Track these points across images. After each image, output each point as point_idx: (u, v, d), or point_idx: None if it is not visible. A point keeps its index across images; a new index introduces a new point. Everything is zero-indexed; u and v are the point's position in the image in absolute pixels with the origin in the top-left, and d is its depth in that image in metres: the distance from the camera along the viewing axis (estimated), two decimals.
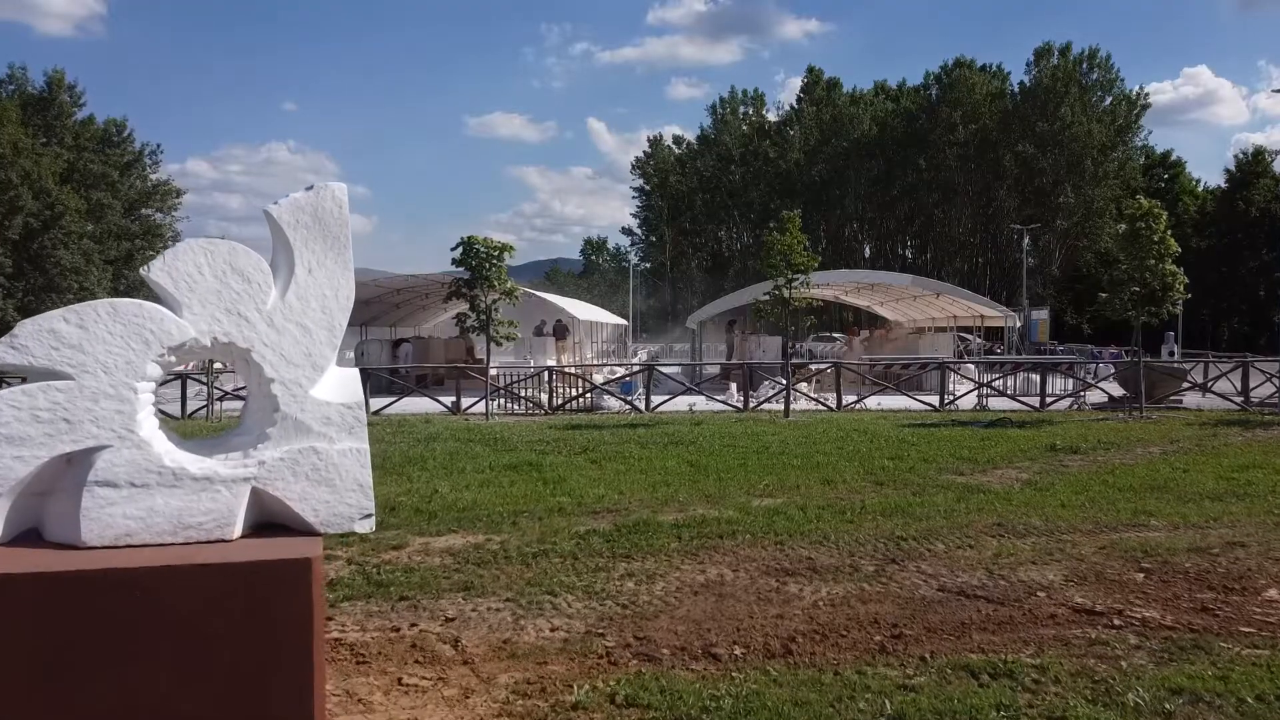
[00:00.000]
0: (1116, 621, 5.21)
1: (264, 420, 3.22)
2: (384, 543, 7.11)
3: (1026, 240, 52.37)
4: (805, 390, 18.89)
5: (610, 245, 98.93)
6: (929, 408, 17.87)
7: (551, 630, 5.12)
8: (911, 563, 6.56)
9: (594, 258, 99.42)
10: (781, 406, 17.91)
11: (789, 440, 13.30)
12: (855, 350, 28.66)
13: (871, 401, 18.34)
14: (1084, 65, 59.67)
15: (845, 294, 30.53)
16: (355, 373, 3.61)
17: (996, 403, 18.38)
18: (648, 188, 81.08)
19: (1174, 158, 67.11)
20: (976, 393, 18.42)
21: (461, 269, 16.56)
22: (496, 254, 16.26)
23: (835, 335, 40.97)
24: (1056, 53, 59.81)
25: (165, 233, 52.58)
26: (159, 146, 52.94)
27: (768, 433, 14.24)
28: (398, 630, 5.12)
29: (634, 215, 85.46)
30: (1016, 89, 62.15)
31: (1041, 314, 34.71)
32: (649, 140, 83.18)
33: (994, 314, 24.39)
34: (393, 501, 8.81)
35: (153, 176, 52.80)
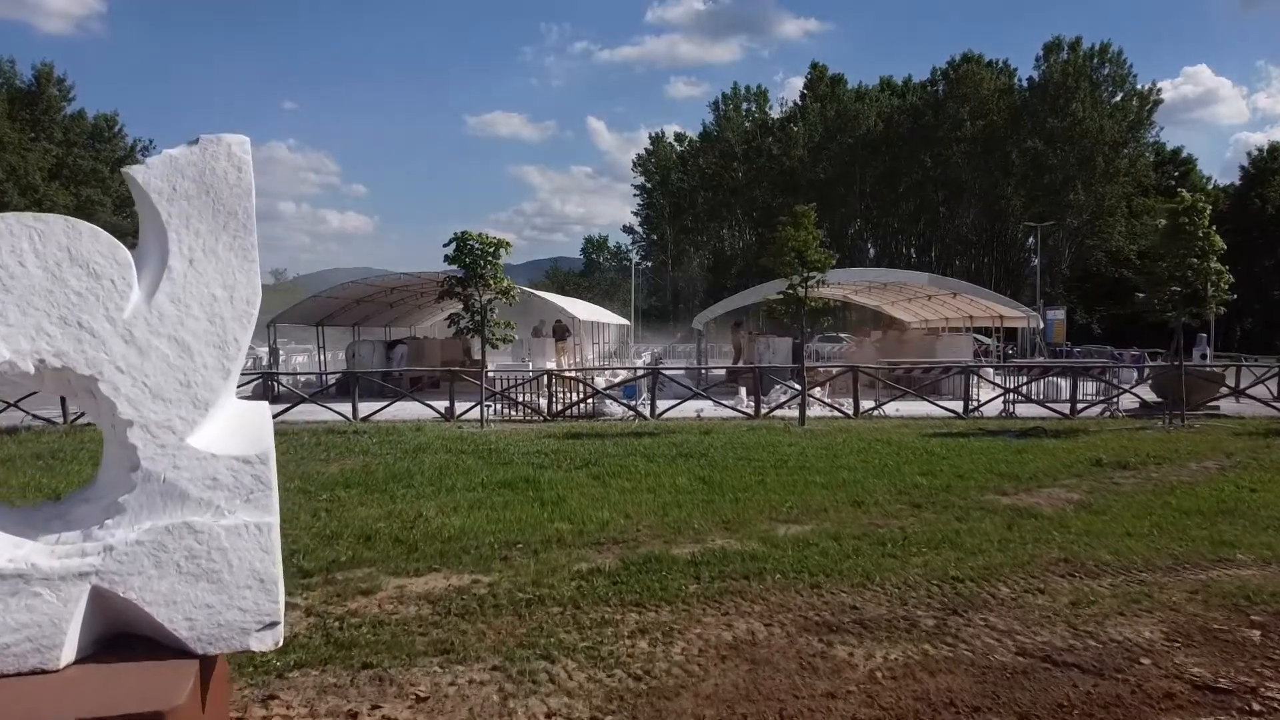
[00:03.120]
0: (1255, 705, 4.18)
1: (118, 482, 2.18)
2: (353, 585, 6.08)
3: (1032, 239, 51.28)
4: (819, 395, 17.85)
5: (611, 244, 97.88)
6: (952, 414, 16.82)
7: (548, 717, 4.09)
8: (977, 614, 5.53)
9: (595, 256, 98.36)
10: (794, 413, 16.89)
11: (808, 452, 12.26)
12: (865, 352, 27.63)
13: (890, 407, 17.30)
14: (1095, 60, 58.52)
15: (855, 293, 29.48)
16: (262, 408, 2.57)
17: (1023, 409, 17.34)
18: (649, 185, 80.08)
19: (1184, 155, 65.94)
20: (1003, 398, 17.35)
21: (455, 267, 15.51)
22: (492, 250, 15.22)
23: (842, 335, 39.88)
24: (1066, 48, 58.68)
25: None
26: (151, 142, 51.93)
27: (783, 443, 13.20)
28: (355, 717, 4.09)
29: (635, 213, 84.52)
30: (1026, 83, 61.04)
31: (1057, 314, 33.58)
32: (650, 137, 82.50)
33: (1015, 314, 23.26)
34: (370, 529, 7.78)
35: None
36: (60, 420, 16.95)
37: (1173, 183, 63.95)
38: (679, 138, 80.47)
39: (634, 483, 10.12)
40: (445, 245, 15.22)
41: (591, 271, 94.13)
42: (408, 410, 17.84)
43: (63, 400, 17.61)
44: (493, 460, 11.87)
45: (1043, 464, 11.30)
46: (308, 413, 17.65)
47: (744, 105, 75.64)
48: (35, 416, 16.90)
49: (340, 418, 17.20)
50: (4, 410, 16.99)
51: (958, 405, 17.39)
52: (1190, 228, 14.20)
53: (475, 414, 16.54)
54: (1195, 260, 14.21)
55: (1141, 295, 14.97)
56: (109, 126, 47.09)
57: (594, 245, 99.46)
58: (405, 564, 6.61)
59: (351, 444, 13.50)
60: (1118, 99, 58.90)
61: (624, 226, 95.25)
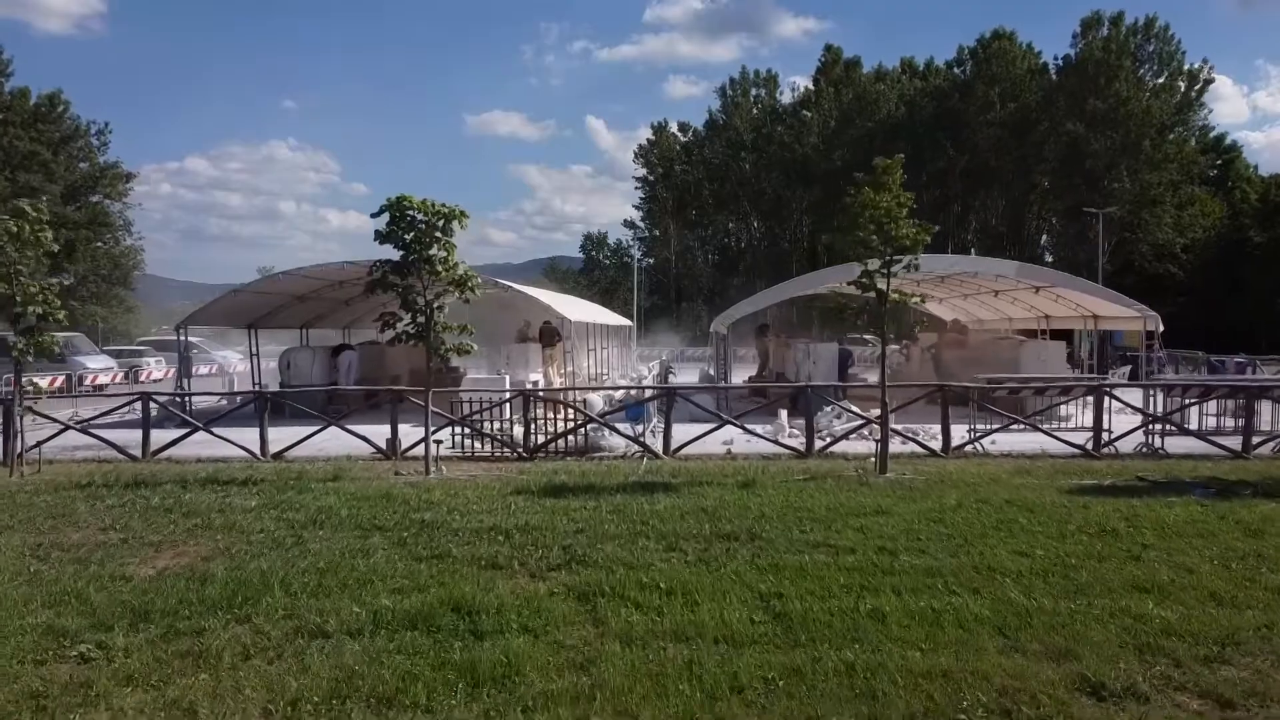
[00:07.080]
0: None
1: None
2: None
3: (1045, 235, 46.57)
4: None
5: (611, 240, 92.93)
6: (1077, 451, 12.30)
7: None
8: None
9: (594, 254, 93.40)
10: (859, 446, 12.53)
11: (918, 529, 7.82)
12: (915, 360, 23.22)
13: (986, 440, 12.80)
14: (1138, 37, 53.81)
15: (901, 285, 24.88)
16: None
17: (1170, 442, 12.79)
18: (651, 178, 75.50)
19: (1229, 141, 61.35)
20: (1144, 429, 12.78)
21: (391, 246, 11.00)
22: (440, 223, 10.76)
23: (866, 337, 35.32)
24: (1107, 23, 54.00)
25: (115, 221, 47.15)
26: (106, 125, 47.16)
27: (868, 508, 8.72)
28: None
29: (636, 207, 79.90)
30: (1060, 62, 56.33)
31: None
32: (652, 127, 77.62)
33: (1126, 313, 18.57)
34: None
35: (101, 159, 47.28)
36: None
37: (1215, 171, 59.50)
38: (683, 128, 75.87)
39: (646, 613, 5.71)
40: (374, 215, 10.76)
41: (591, 269, 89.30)
42: (342, 441, 13.39)
43: None
44: (419, 547, 7.42)
45: None
46: (206, 445, 13.20)
47: (753, 91, 71.05)
48: None
49: (244, 453, 12.78)
50: None
51: (1076, 436, 12.91)
52: None
53: (436, 446, 12.00)
54: None
55: None
56: (52, 106, 42.32)
57: (593, 242, 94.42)
58: None
59: (220, 507, 9.05)
60: (1163, 79, 54.25)
61: (625, 221, 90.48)
